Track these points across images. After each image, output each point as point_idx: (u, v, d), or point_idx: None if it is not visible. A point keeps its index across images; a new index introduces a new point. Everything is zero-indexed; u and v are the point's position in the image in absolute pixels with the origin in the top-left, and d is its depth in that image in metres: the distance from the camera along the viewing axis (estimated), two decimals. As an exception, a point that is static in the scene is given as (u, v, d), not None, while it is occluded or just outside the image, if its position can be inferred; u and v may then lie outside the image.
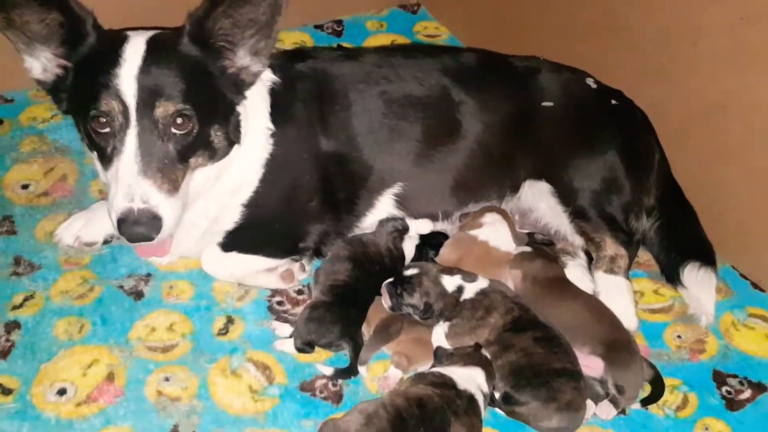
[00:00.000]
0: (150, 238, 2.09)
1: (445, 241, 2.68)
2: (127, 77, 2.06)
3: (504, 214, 2.68)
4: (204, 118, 2.18)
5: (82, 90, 2.15)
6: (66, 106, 2.26)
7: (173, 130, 2.12)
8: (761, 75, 2.57)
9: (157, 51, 2.13)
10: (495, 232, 2.60)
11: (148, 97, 2.07)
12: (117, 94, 2.06)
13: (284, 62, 2.59)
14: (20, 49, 2.18)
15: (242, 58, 2.24)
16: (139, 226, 2.05)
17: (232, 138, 2.33)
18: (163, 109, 2.09)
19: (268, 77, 2.48)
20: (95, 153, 2.21)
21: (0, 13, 2.09)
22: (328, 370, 2.35)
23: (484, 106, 2.72)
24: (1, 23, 2.11)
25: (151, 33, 2.22)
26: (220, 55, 2.22)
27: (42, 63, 2.20)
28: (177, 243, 2.47)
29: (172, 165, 2.13)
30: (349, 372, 2.34)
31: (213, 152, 2.27)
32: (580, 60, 2.98)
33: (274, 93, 2.49)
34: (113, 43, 2.14)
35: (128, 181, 2.06)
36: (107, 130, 2.09)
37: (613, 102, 2.85)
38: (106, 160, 2.13)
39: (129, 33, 2.20)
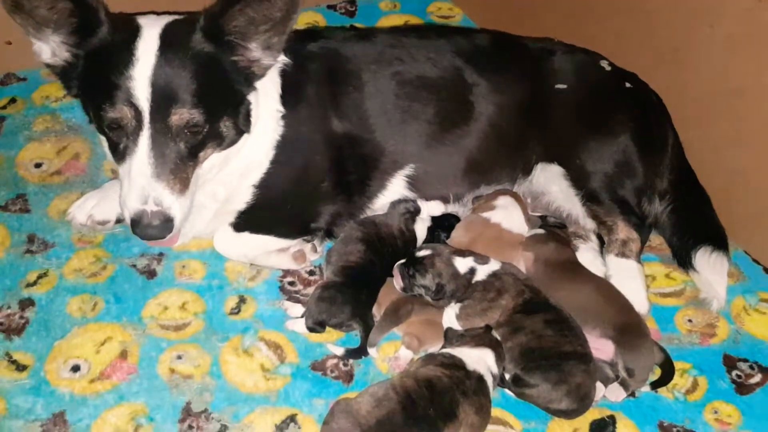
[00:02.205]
0: (162, 237, 2.16)
1: (457, 223, 2.69)
2: (141, 79, 2.05)
3: (517, 198, 2.68)
4: (215, 114, 2.19)
5: (94, 83, 2.14)
6: (76, 92, 2.25)
7: (185, 131, 2.13)
8: (778, 59, 2.55)
9: (170, 49, 2.10)
10: (508, 215, 2.60)
11: (162, 102, 2.07)
12: (130, 98, 2.06)
13: (296, 43, 2.57)
14: (29, 33, 2.15)
15: (254, 52, 2.23)
16: (152, 228, 2.11)
17: (242, 128, 2.32)
18: (177, 116, 2.10)
19: (279, 58, 2.47)
20: (106, 141, 2.23)
21: None
22: (339, 350, 2.36)
23: (497, 88, 2.71)
24: (8, 7, 2.08)
25: (162, 23, 2.18)
26: (232, 51, 2.20)
27: (51, 47, 2.18)
28: (189, 225, 2.48)
29: (183, 163, 2.16)
30: (359, 352, 2.35)
31: (221, 141, 2.28)
32: (595, 42, 2.96)
33: (285, 74, 2.49)
34: (125, 37, 2.11)
35: (142, 184, 2.09)
36: (120, 129, 2.11)
37: (628, 85, 2.83)
38: (119, 155, 2.15)
39: (141, 22, 2.17)
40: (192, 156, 2.18)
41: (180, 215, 2.16)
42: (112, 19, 2.15)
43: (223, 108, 2.23)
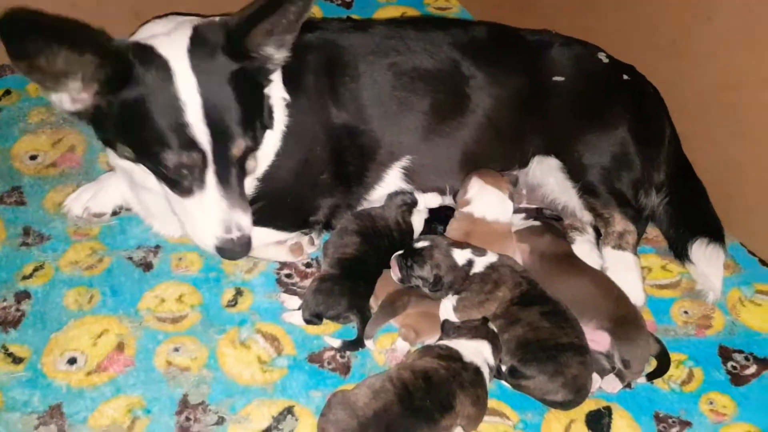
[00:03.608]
0: (245, 255, 2.26)
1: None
2: (197, 124, 2.03)
3: (483, 175, 2.63)
4: (255, 125, 2.21)
5: (141, 132, 2.07)
6: (111, 136, 2.16)
7: (241, 155, 2.17)
8: (776, 51, 2.55)
9: (209, 82, 2.05)
10: (486, 204, 2.57)
11: (222, 140, 2.08)
12: (194, 145, 2.05)
13: None
14: (46, 88, 2.02)
15: (270, 52, 2.21)
16: (238, 252, 2.21)
17: (266, 125, 2.33)
18: (237, 149, 2.12)
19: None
20: (154, 176, 2.18)
21: (23, 61, 1.92)
22: (336, 342, 2.36)
23: (494, 80, 2.70)
24: (24, 69, 1.96)
25: (183, 49, 2.08)
26: (253, 60, 2.18)
27: (71, 95, 2.05)
28: None
29: (241, 181, 2.20)
30: (356, 344, 2.35)
31: (257, 146, 2.27)
32: (592, 34, 2.95)
33: (285, 65, 2.47)
34: (160, 77, 2.03)
35: (221, 216, 2.15)
36: (184, 171, 2.11)
37: (625, 77, 2.83)
38: (182, 190, 2.15)
39: (164, 55, 2.05)
40: (243, 171, 2.22)
41: (251, 228, 2.24)
42: (139, 58, 2.04)
43: (257, 115, 2.25)
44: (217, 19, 2.22)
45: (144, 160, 2.15)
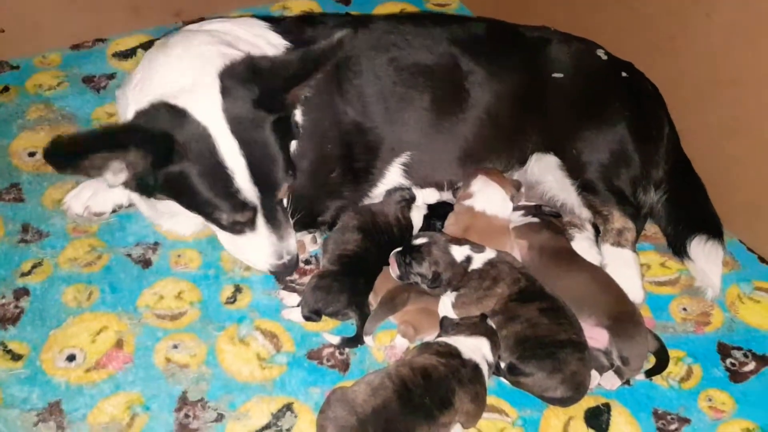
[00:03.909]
0: (294, 271, 2.45)
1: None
2: (247, 186, 2.09)
3: (490, 173, 2.64)
4: (290, 152, 2.24)
5: (189, 197, 2.13)
6: (156, 196, 2.20)
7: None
8: (775, 48, 2.55)
9: (251, 142, 2.07)
10: (487, 199, 2.58)
11: (268, 192, 2.15)
12: (246, 206, 2.13)
13: (294, 26, 2.56)
14: (90, 175, 2.11)
15: (301, 94, 2.26)
16: (290, 272, 2.43)
17: (295, 137, 2.35)
18: (281, 192, 2.20)
19: (279, 42, 2.45)
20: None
21: (68, 168, 2.01)
22: (335, 339, 2.36)
23: (493, 76, 2.70)
24: (69, 172, 2.09)
25: (217, 109, 2.06)
26: (284, 106, 2.20)
27: (114, 173, 2.07)
28: (195, 221, 2.46)
29: (285, 210, 2.28)
30: (355, 341, 2.35)
31: (296, 175, 2.27)
32: (591, 31, 2.95)
33: None
34: (204, 149, 2.04)
35: (273, 249, 2.27)
36: (235, 222, 2.19)
37: (624, 74, 2.82)
38: (234, 232, 2.24)
39: (202, 122, 2.03)
40: (282, 198, 2.26)
41: (296, 246, 2.35)
42: (177, 131, 2.04)
43: (290, 143, 2.27)
44: (236, 57, 2.19)
45: (193, 212, 2.21)
